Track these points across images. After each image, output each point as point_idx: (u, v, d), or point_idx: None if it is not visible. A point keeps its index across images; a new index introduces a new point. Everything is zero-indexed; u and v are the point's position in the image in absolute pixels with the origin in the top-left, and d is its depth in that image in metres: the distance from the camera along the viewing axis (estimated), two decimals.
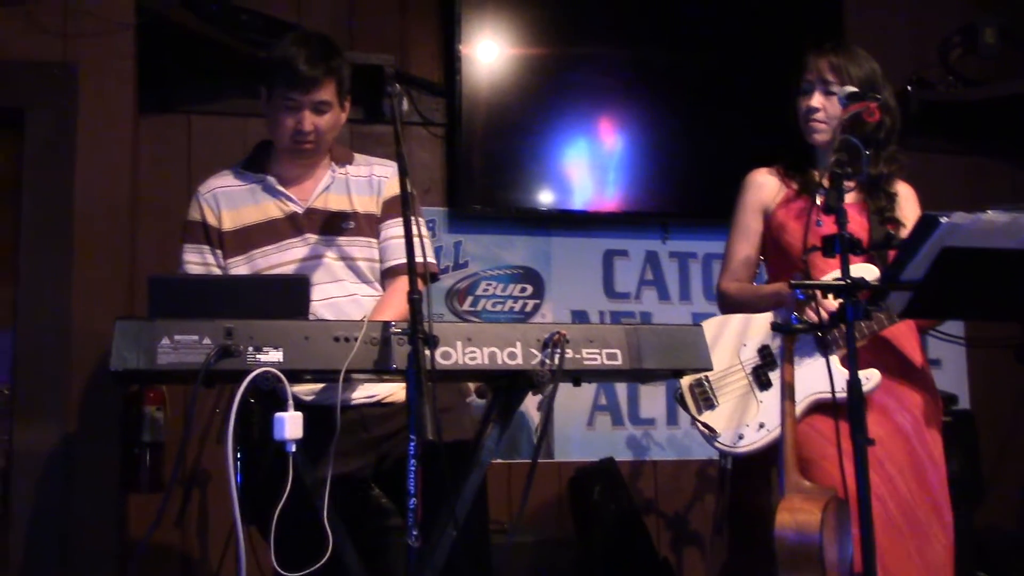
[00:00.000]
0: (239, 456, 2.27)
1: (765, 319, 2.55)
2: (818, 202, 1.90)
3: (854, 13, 4.16)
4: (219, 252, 2.47)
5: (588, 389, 3.81)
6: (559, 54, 3.92)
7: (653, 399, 3.96)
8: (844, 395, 2.21)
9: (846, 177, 1.87)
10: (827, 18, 4.11)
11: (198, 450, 3.36)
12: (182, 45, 3.38)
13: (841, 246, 1.82)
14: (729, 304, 2.69)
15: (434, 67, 3.90)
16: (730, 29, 4.07)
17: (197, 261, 2.48)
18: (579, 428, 3.86)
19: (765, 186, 2.67)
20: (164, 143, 3.59)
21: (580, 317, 3.93)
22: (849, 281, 1.79)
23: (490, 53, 3.82)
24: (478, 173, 3.80)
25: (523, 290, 3.91)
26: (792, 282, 1.88)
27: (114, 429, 3.04)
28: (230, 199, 2.50)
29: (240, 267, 2.45)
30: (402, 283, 2.30)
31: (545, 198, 3.87)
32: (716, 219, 3.95)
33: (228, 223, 2.48)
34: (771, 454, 2.54)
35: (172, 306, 1.94)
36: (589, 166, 3.91)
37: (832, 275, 2.22)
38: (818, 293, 1.97)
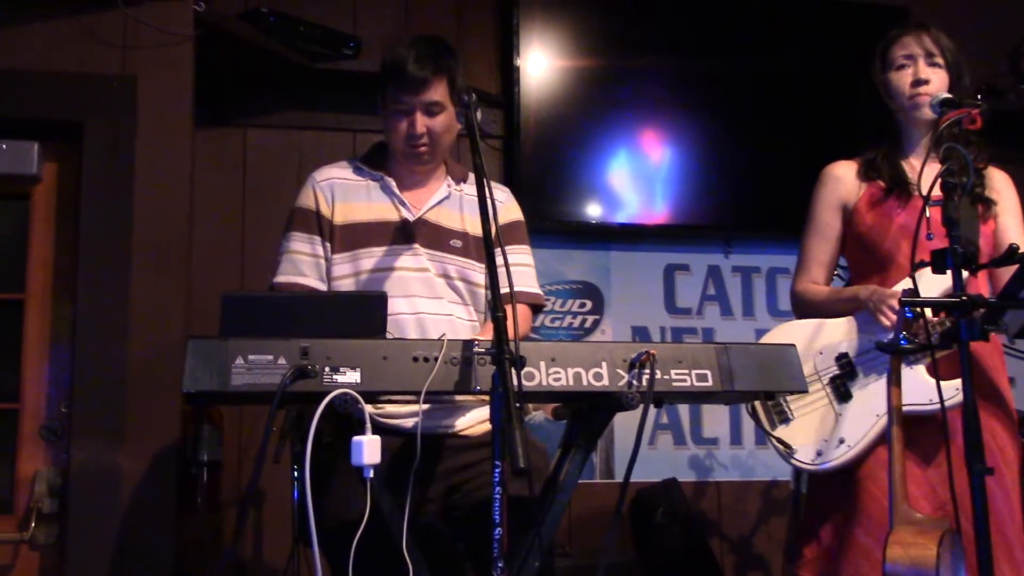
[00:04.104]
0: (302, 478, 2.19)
1: (839, 323, 2.40)
2: (927, 214, 1.79)
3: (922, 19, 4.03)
4: (328, 245, 2.35)
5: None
6: (617, 66, 3.84)
7: (716, 418, 3.84)
8: (932, 407, 2.06)
9: (960, 188, 1.76)
10: (893, 25, 3.97)
11: (252, 469, 3.30)
12: (239, 57, 3.34)
13: (954, 261, 1.70)
14: (805, 307, 2.54)
15: (490, 79, 3.84)
16: (792, 39, 3.97)
17: (307, 252, 2.35)
18: (640, 447, 3.73)
19: (844, 180, 2.52)
20: (219, 156, 3.55)
21: (641, 334, 3.83)
22: (965, 298, 1.67)
23: (547, 65, 3.75)
24: (536, 186, 3.71)
25: (582, 305, 3.82)
26: (902, 299, 1.76)
27: (171, 448, 2.97)
28: (345, 191, 2.38)
29: (344, 265, 2.34)
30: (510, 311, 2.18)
31: (603, 211, 3.78)
32: (780, 233, 3.90)
33: (339, 216, 2.36)
34: (850, 473, 2.39)
35: (245, 324, 1.85)
36: (648, 179, 3.82)
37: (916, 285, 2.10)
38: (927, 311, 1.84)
